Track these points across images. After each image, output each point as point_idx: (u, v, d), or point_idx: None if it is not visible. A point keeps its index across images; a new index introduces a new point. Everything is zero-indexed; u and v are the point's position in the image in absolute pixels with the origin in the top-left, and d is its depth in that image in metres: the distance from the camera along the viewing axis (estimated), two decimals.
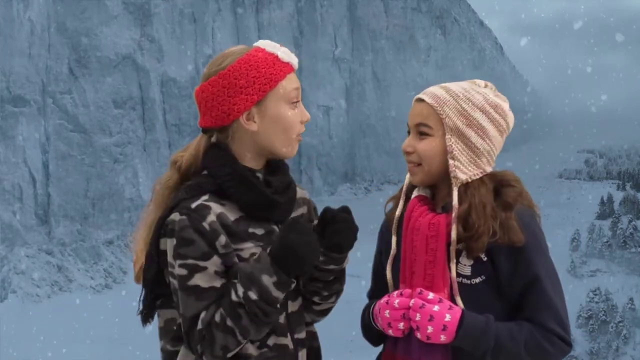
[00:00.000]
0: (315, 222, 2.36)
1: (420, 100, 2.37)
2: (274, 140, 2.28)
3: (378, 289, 2.50)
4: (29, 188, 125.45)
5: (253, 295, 2.10)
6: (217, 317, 2.13)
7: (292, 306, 2.31)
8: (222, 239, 2.18)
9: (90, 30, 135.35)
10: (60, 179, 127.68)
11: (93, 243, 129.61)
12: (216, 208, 2.21)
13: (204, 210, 2.18)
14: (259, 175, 2.30)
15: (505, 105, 2.39)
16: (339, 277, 2.35)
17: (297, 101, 2.30)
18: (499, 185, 2.36)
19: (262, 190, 2.25)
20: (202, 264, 2.14)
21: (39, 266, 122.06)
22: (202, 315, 2.14)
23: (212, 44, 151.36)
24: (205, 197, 2.22)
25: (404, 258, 2.36)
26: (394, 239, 2.42)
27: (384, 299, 2.33)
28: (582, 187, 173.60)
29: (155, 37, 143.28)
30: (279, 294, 2.12)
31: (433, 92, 2.37)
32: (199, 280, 2.14)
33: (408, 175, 2.45)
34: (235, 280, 2.14)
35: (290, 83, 2.28)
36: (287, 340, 2.28)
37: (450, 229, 2.28)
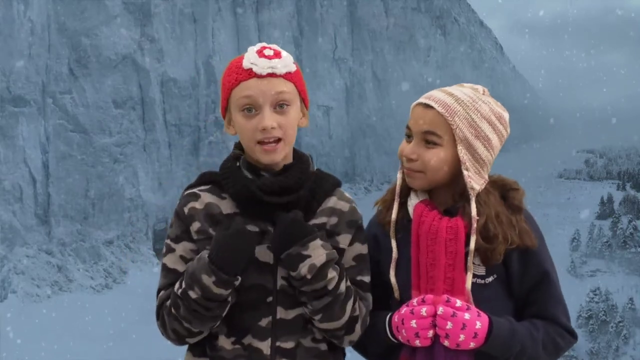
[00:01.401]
0: (342, 236, 2.33)
1: (428, 106, 2.31)
2: (244, 145, 2.32)
3: (376, 297, 2.41)
4: (29, 188, 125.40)
5: (193, 294, 2.16)
6: (168, 302, 2.25)
7: (284, 313, 2.27)
8: (196, 225, 2.26)
9: (90, 30, 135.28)
10: (60, 179, 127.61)
11: (93, 243, 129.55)
12: (207, 198, 2.30)
13: (190, 197, 2.30)
14: (265, 173, 2.29)
15: (507, 115, 2.41)
16: (321, 296, 2.24)
17: (250, 108, 2.25)
18: (503, 190, 2.38)
19: (247, 185, 2.25)
20: (173, 245, 2.30)
21: (39, 266, 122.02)
22: (161, 293, 2.30)
23: (212, 44, 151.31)
24: (206, 187, 2.32)
25: (417, 263, 2.31)
26: (394, 243, 2.38)
27: (406, 309, 2.27)
28: (582, 187, 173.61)
29: (155, 37, 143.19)
30: (220, 291, 2.16)
31: (441, 100, 2.32)
32: (167, 259, 2.31)
33: (400, 177, 2.40)
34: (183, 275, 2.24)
35: (240, 90, 2.24)
36: (264, 345, 2.25)
37: (467, 231, 2.28)
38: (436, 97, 2.32)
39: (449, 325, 2.18)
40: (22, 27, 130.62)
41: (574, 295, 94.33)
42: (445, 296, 2.23)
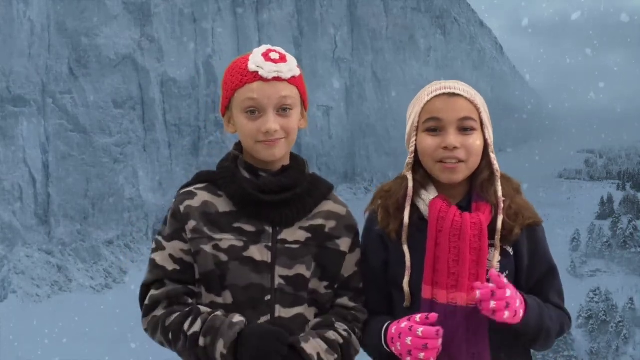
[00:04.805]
0: (343, 240, 2.36)
1: (454, 95, 2.32)
2: (244, 145, 2.35)
3: (379, 300, 2.43)
4: (29, 188, 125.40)
5: (202, 342, 2.19)
6: (167, 320, 2.26)
7: (283, 311, 2.28)
8: (192, 223, 2.28)
9: (90, 30, 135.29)
10: (60, 179, 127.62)
11: (93, 243, 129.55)
12: (203, 196, 2.32)
13: (187, 195, 2.33)
14: (263, 173, 2.32)
15: None
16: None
17: (253, 110, 2.27)
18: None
19: (244, 186, 2.28)
20: (164, 243, 2.31)
21: (39, 266, 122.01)
22: (152, 291, 2.30)
23: (212, 44, 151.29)
24: (201, 185, 2.35)
25: (433, 259, 2.30)
26: (406, 250, 2.35)
27: (406, 323, 2.23)
28: (582, 187, 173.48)
29: (155, 37, 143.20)
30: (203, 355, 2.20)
31: (463, 88, 2.35)
32: (157, 255, 2.32)
33: (411, 179, 2.37)
34: (201, 315, 2.22)
35: (245, 92, 2.26)
36: None
37: (487, 226, 2.30)
38: (458, 87, 2.35)
39: (493, 304, 2.17)
40: (22, 27, 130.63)
41: (574, 295, 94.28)
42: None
